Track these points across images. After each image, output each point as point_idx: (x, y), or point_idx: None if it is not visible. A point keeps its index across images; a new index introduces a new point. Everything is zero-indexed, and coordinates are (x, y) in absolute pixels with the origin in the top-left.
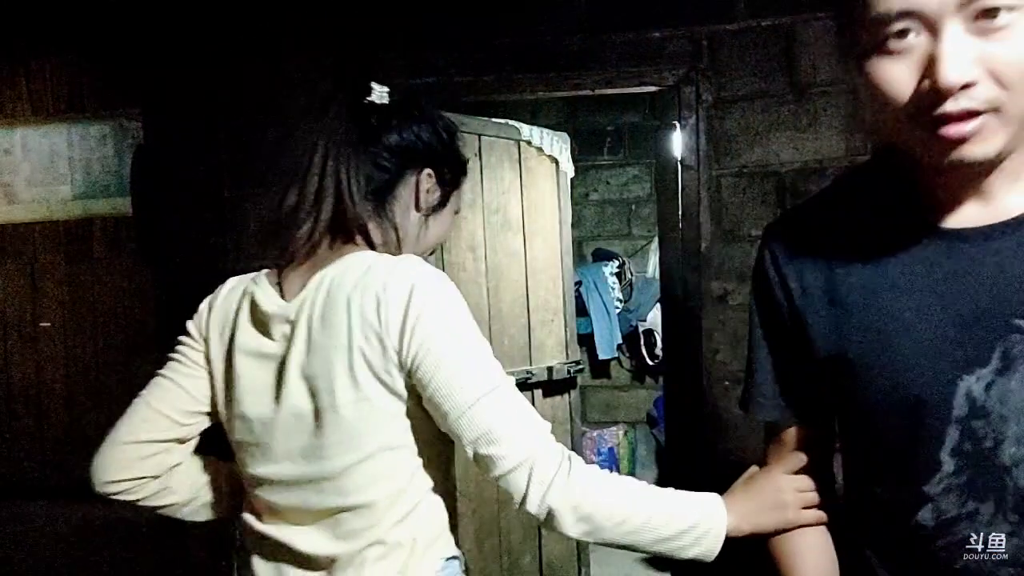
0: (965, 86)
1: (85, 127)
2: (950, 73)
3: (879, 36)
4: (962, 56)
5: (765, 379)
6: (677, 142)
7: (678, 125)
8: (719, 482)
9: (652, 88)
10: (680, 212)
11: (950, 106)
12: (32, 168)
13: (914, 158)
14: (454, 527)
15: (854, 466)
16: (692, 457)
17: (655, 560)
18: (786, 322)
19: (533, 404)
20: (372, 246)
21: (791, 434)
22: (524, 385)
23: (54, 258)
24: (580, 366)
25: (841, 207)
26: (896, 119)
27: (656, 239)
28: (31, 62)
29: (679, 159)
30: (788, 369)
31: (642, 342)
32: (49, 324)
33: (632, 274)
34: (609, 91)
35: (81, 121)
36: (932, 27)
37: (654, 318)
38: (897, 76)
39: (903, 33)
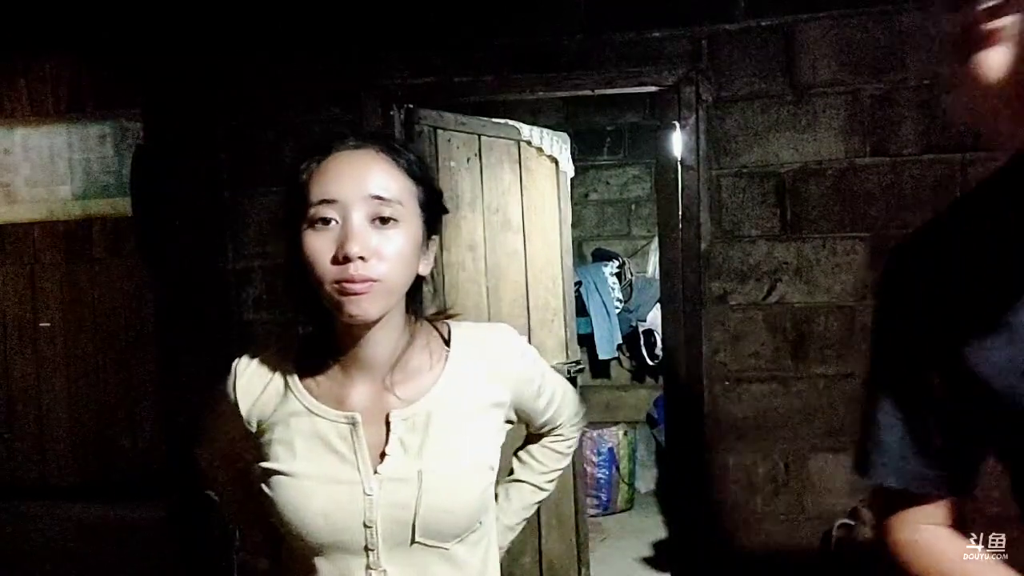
0: None
1: (85, 127)
2: None
3: None
4: None
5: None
6: (677, 142)
7: (678, 125)
8: (717, 483)
9: (652, 88)
10: (680, 212)
11: None
12: (32, 168)
13: None
14: None
15: None
16: (692, 457)
17: (655, 560)
18: (931, 358)
19: None
20: None
21: (931, 508)
22: None
23: (54, 258)
24: (580, 366)
25: (979, 222)
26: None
27: (656, 239)
28: (31, 62)
29: (679, 159)
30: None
31: (642, 342)
32: (49, 324)
33: (632, 274)
34: (609, 91)
35: (81, 121)
36: None
37: (654, 318)
38: None
39: None
